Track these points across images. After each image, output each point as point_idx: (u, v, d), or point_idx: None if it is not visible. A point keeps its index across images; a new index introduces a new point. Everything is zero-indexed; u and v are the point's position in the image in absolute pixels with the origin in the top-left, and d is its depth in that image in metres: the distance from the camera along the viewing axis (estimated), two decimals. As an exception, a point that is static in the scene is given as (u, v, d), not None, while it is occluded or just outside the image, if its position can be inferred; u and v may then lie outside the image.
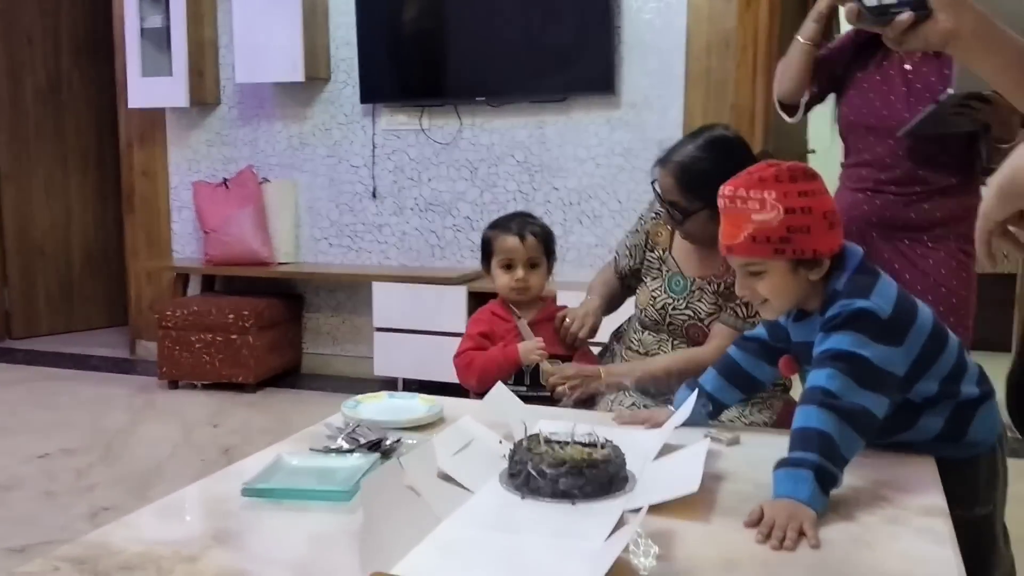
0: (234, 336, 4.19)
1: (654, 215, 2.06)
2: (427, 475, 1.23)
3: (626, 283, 2.13)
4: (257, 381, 4.24)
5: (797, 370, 1.53)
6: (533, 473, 1.25)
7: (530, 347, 1.94)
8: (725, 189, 1.36)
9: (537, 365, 1.94)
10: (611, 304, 2.14)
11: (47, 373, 4.62)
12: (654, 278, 2.03)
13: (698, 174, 1.84)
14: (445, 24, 4.13)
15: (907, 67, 1.99)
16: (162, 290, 4.79)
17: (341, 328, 4.59)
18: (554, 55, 3.96)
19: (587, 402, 1.96)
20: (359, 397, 1.72)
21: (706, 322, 1.94)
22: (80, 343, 5.31)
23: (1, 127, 5.22)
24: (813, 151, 4.72)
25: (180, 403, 4.09)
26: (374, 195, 4.44)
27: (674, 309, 1.97)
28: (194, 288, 4.72)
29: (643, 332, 2.03)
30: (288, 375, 4.51)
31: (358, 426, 1.52)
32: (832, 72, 2.11)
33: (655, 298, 2.00)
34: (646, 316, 2.02)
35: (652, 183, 1.95)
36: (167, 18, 4.42)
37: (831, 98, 2.19)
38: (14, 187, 5.29)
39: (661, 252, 2.03)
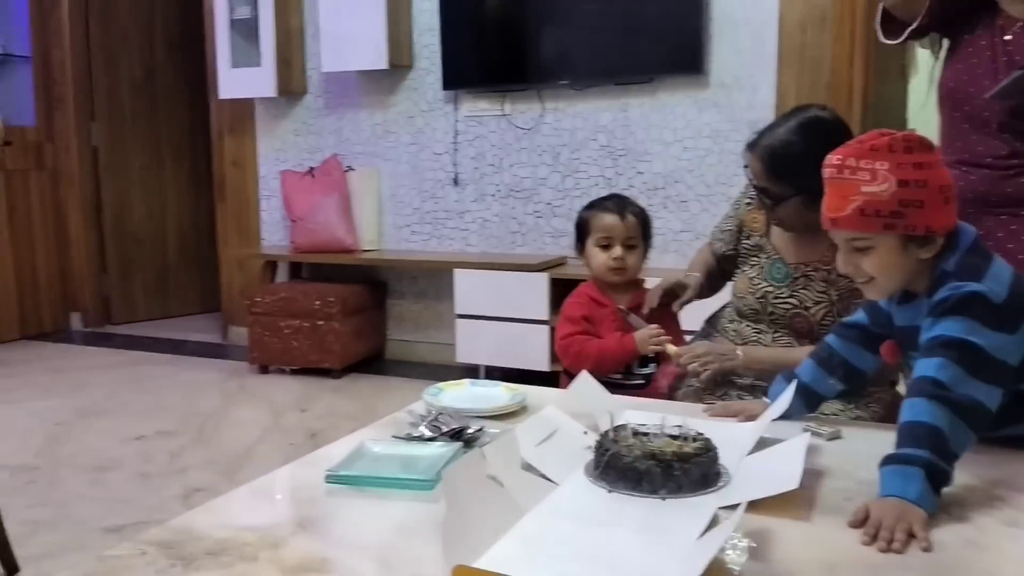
0: (320, 322, 4.25)
1: (748, 200, 1.95)
2: (510, 465, 1.20)
3: (723, 266, 2.02)
4: (343, 367, 4.30)
5: (900, 357, 1.44)
6: (621, 466, 1.21)
7: (646, 336, 1.89)
8: (832, 158, 1.29)
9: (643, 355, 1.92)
10: (711, 285, 2.03)
11: (144, 357, 4.78)
12: (752, 265, 1.92)
13: (789, 158, 1.73)
14: (526, 7, 4.09)
15: (1007, 37, 1.82)
16: (252, 277, 4.89)
17: (424, 315, 4.61)
18: (639, 35, 3.87)
19: (674, 390, 1.91)
20: (441, 384, 1.70)
21: (813, 311, 1.81)
22: (176, 328, 5.48)
23: (100, 119, 5.41)
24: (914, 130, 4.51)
25: (270, 387, 4.17)
26: (456, 182, 4.43)
27: (775, 298, 1.85)
28: (282, 275, 4.81)
29: (741, 322, 1.93)
30: (372, 361, 4.55)
31: (440, 414, 1.50)
32: (950, 9, 1.87)
33: (755, 286, 1.89)
34: (744, 305, 1.91)
35: (744, 167, 1.86)
36: (255, 8, 4.49)
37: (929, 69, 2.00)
38: (112, 177, 5.49)
39: (758, 238, 1.92)
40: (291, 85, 4.60)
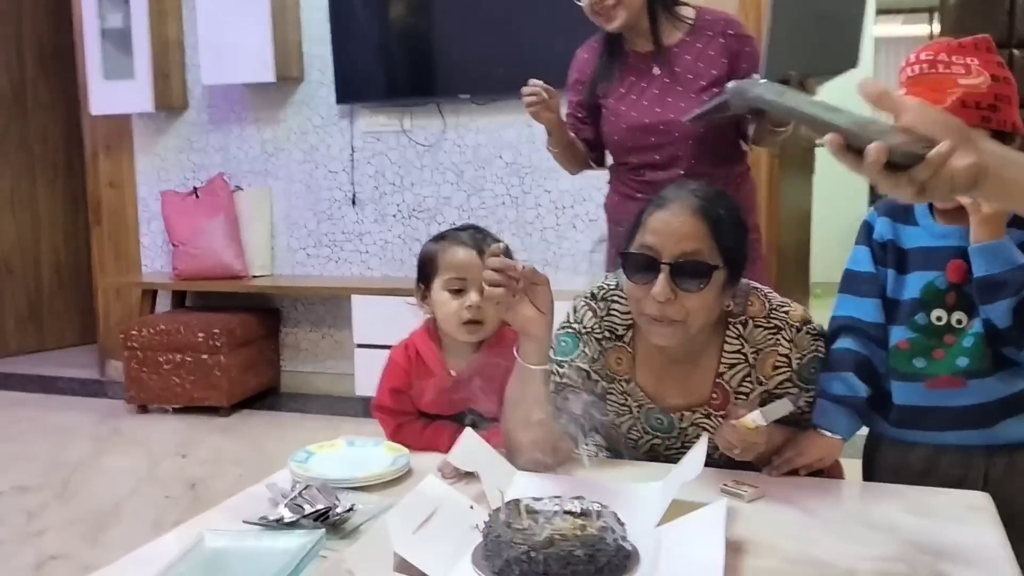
0: (204, 356, 3.91)
1: (606, 336, 1.47)
2: (380, 562, 0.96)
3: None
4: (231, 403, 3.97)
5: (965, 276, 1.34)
6: (513, 558, 0.99)
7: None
8: (920, 55, 1.30)
9: None
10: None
11: (12, 398, 4.35)
12: (622, 415, 1.48)
13: (729, 216, 1.36)
14: (425, 18, 3.86)
15: (655, 71, 2.15)
16: (131, 307, 4.51)
17: (321, 344, 4.31)
18: (543, 49, 3.68)
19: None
20: (312, 447, 1.45)
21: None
22: (50, 363, 5.02)
23: (-39, 138, 4.94)
24: (821, 144, 4.47)
25: (148, 430, 3.81)
26: (354, 202, 4.17)
27: (667, 449, 1.47)
28: (164, 305, 4.44)
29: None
30: (266, 395, 4.23)
31: (306, 488, 1.26)
32: (586, 122, 2.26)
33: (635, 440, 1.49)
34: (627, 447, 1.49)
35: (626, 252, 1.37)
36: (128, 18, 4.15)
37: None
38: (-24, 201, 5.02)
39: (624, 384, 1.47)
40: (170, 99, 4.26)
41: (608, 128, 2.22)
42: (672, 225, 1.31)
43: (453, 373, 1.54)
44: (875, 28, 6.46)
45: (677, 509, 1.12)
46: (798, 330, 1.38)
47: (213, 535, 1.12)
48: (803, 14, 1.85)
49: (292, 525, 1.17)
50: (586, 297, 1.50)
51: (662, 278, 1.29)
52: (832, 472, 1.44)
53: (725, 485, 1.27)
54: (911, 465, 1.43)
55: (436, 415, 1.55)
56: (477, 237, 1.55)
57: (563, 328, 1.49)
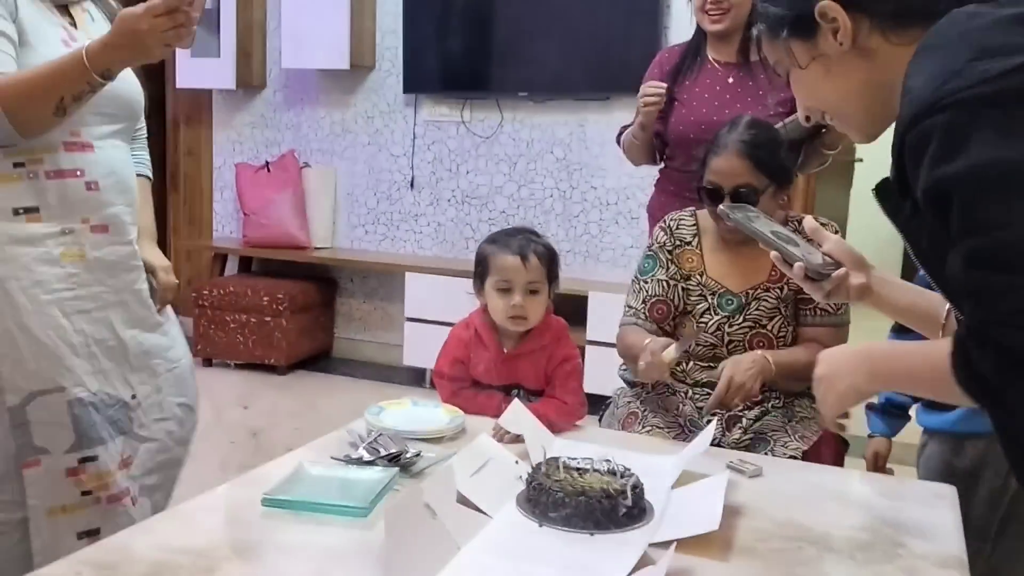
0: (268, 318, 4.24)
1: (671, 247, 1.97)
2: (446, 498, 1.24)
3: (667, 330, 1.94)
4: (288, 363, 4.30)
5: None
6: (551, 501, 1.26)
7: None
8: None
9: None
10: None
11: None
12: (698, 306, 1.93)
13: (769, 144, 1.89)
14: (491, 17, 4.12)
15: (730, 80, 2.41)
16: (201, 269, 4.85)
17: (373, 315, 4.62)
18: (599, 54, 3.93)
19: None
20: (383, 403, 1.73)
21: (769, 327, 1.89)
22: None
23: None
24: (860, 160, 4.65)
25: (213, 382, 4.15)
26: (412, 185, 4.45)
27: (730, 326, 1.90)
28: (232, 268, 4.78)
29: (690, 363, 1.92)
30: (319, 359, 4.56)
31: (379, 435, 1.54)
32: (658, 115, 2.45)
33: (706, 323, 1.91)
34: (697, 345, 1.90)
35: (701, 186, 1.90)
36: (217, 0, 4.45)
37: None
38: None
39: (699, 277, 1.94)
40: (250, 78, 4.57)
41: (675, 119, 2.43)
42: (724, 168, 1.85)
43: (505, 351, 1.80)
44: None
45: (687, 478, 1.38)
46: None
47: (309, 464, 1.41)
48: None
49: (370, 464, 1.45)
50: (660, 224, 2.01)
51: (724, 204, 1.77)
52: (831, 461, 1.74)
53: (731, 462, 1.52)
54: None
55: (488, 385, 1.82)
56: (523, 244, 1.78)
57: (643, 255, 2.01)
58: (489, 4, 4.11)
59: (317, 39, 4.24)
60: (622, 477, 1.31)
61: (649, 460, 1.45)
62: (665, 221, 2.01)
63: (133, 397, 1.72)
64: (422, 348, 4.12)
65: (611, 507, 1.25)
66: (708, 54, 2.47)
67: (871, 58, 1.04)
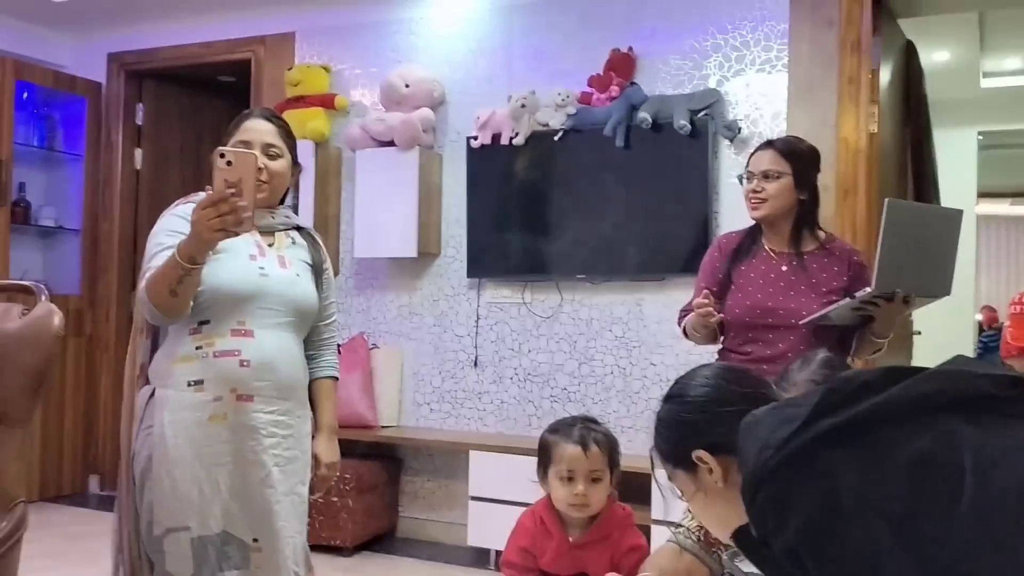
0: (334, 498, 4.31)
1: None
2: None
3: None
4: (354, 544, 4.32)
5: None
6: None
7: None
8: (1021, 296, 1.38)
9: None
10: None
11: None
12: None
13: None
14: (547, 205, 4.38)
15: (784, 268, 2.57)
16: (271, 448, 4.98)
17: (437, 493, 4.66)
18: (653, 237, 4.13)
19: None
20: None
21: None
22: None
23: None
24: (919, 332, 4.67)
25: (280, 563, 4.18)
26: (476, 364, 4.60)
27: None
28: (301, 447, 4.89)
29: None
30: (384, 539, 4.57)
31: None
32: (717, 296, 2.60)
33: None
34: None
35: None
36: (296, 197, 4.81)
37: None
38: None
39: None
40: (324, 267, 4.86)
41: (732, 302, 2.58)
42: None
43: (571, 540, 1.85)
44: (979, 207, 6.66)
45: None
46: None
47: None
48: (908, 243, 2.28)
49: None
50: None
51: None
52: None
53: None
54: None
55: (554, 574, 1.86)
56: (584, 433, 1.89)
57: None
58: (545, 194, 4.38)
59: (387, 231, 4.54)
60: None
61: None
62: None
63: (255, 540, 1.98)
64: (486, 527, 4.13)
65: None
66: (763, 242, 2.62)
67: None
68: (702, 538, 1.74)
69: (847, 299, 2.37)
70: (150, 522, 2.00)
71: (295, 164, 2.22)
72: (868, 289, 2.30)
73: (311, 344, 2.26)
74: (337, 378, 2.33)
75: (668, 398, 1.39)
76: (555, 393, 4.41)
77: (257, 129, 2.13)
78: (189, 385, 2.00)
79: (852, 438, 1.03)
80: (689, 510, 1.77)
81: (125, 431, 2.13)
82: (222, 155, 1.78)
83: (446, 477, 4.63)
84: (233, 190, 1.76)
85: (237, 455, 2.00)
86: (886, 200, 2.33)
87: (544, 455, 1.94)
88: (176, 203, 2.20)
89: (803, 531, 1.02)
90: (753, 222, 2.69)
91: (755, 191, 2.56)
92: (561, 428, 1.94)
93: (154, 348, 2.13)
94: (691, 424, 1.30)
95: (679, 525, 1.79)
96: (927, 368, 1.10)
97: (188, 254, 1.84)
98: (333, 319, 2.34)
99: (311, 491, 2.20)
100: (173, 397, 2.00)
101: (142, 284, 2.00)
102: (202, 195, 1.99)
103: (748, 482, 1.08)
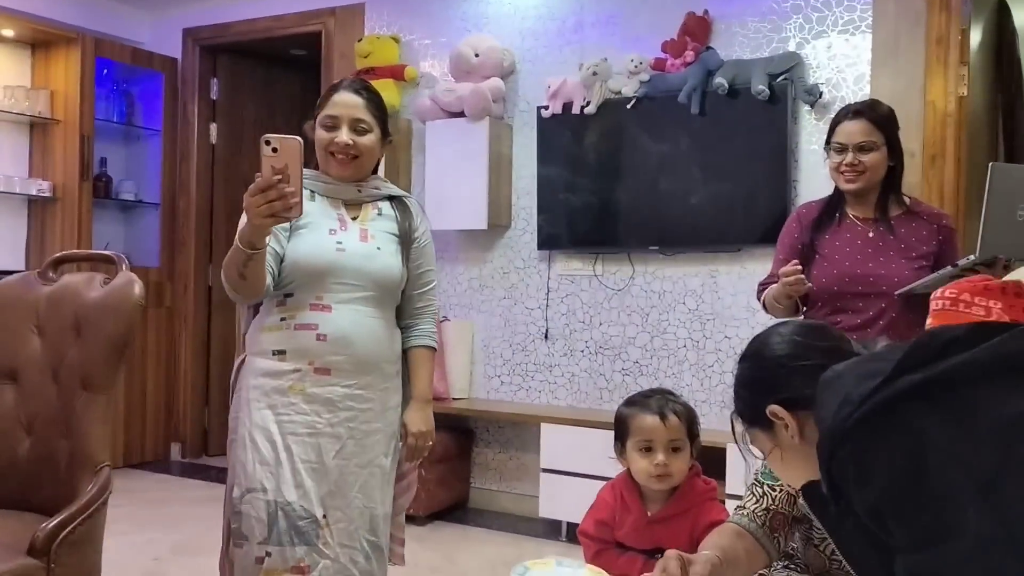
0: (408, 469, 4.34)
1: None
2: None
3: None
4: (427, 514, 4.36)
5: None
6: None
7: None
8: (946, 291, 1.35)
9: None
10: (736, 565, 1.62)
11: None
12: (824, 539, 1.69)
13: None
14: (619, 177, 4.30)
15: (871, 235, 2.51)
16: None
17: (508, 465, 4.66)
18: (728, 207, 4.02)
19: None
20: (528, 563, 1.75)
21: None
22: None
23: (216, 262, 5.79)
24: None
25: (354, 532, 4.24)
26: (546, 336, 4.57)
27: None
28: (373, 418, 4.95)
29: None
30: (455, 509, 4.60)
31: (528, 597, 1.57)
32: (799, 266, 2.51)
33: (840, 561, 1.65)
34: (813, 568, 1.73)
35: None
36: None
37: None
38: (222, 315, 5.82)
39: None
40: (395, 239, 4.88)
41: (818, 271, 2.51)
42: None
43: (649, 514, 1.81)
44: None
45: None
46: None
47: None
48: (1011, 207, 2.16)
49: (520, 626, 1.47)
50: None
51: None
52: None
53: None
54: None
55: (631, 547, 1.83)
56: (662, 403, 1.85)
57: None
58: (617, 163, 4.30)
59: (458, 204, 4.52)
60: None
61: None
62: None
63: (324, 517, 2.01)
64: (557, 499, 4.12)
65: None
66: (847, 210, 2.53)
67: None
68: (767, 522, 1.67)
69: (948, 268, 2.29)
70: (232, 483, 2.09)
71: (385, 136, 2.20)
72: (972, 257, 2.22)
73: (406, 313, 2.26)
74: (434, 348, 2.29)
75: (744, 357, 1.36)
76: (626, 366, 4.36)
77: (345, 104, 2.12)
78: (273, 354, 2.07)
79: (938, 395, 1.00)
80: (752, 490, 1.72)
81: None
82: (267, 142, 1.79)
83: (517, 449, 4.63)
84: (280, 176, 1.77)
85: (312, 427, 2.04)
86: (991, 164, 2.24)
87: (621, 428, 1.90)
88: None
89: (887, 489, 1.00)
90: (832, 190, 2.60)
91: (852, 165, 2.47)
92: (638, 400, 1.90)
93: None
94: (766, 380, 1.28)
95: (743, 507, 1.73)
96: (1018, 325, 1.06)
97: (246, 239, 1.88)
98: (429, 287, 2.28)
99: (407, 460, 2.26)
100: (260, 364, 2.08)
101: None
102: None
103: (826, 438, 1.07)
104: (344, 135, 2.09)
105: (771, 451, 1.29)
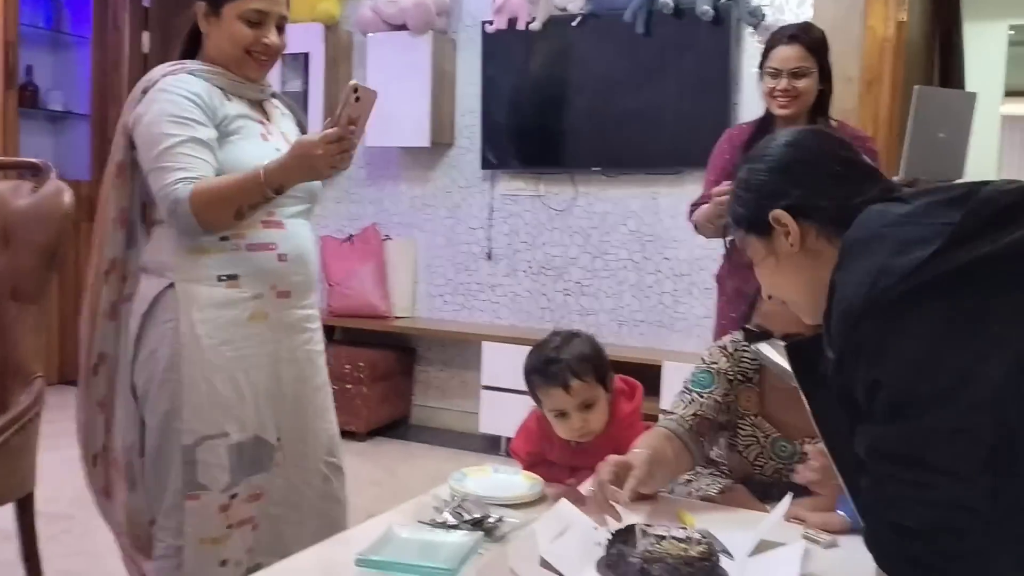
0: (349, 385, 4.37)
1: (735, 376, 1.82)
2: (530, 563, 1.30)
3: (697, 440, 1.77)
4: (368, 430, 4.41)
5: None
6: (630, 567, 1.31)
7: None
8: None
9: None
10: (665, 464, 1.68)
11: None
12: (749, 445, 1.82)
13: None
14: (564, 96, 4.28)
15: None
16: (285, 336, 5.03)
17: (450, 383, 4.72)
18: (670, 129, 4.04)
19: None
20: (466, 470, 1.81)
21: None
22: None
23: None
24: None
25: (295, 447, 4.28)
26: (489, 256, 4.58)
27: (789, 471, 1.73)
28: (315, 336, 4.95)
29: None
30: (397, 425, 4.66)
31: (464, 500, 1.61)
32: None
33: (762, 466, 1.82)
34: (739, 474, 1.84)
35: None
36: (306, 83, 4.72)
37: None
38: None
39: (752, 418, 1.82)
40: (336, 156, 4.80)
41: None
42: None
43: (572, 445, 1.84)
44: (1004, 107, 6.49)
45: (764, 546, 1.41)
46: None
47: (399, 527, 1.49)
48: (933, 130, 2.21)
49: (455, 527, 1.52)
50: (719, 346, 1.87)
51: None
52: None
53: (807, 531, 1.54)
54: None
55: (561, 465, 1.88)
56: (562, 369, 1.77)
57: (699, 368, 1.85)
58: (562, 83, 4.27)
59: (400, 120, 4.45)
60: (698, 544, 1.35)
61: (726, 528, 1.49)
62: (727, 347, 1.85)
63: (278, 439, 1.92)
64: (498, 416, 4.20)
65: (689, 574, 1.29)
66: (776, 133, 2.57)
67: (817, 257, 1.17)
68: (694, 427, 1.75)
69: None
70: (177, 429, 1.81)
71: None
72: (895, 178, 2.27)
73: None
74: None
75: (748, 159, 1.30)
76: (568, 286, 4.41)
77: None
78: (220, 280, 1.81)
79: (993, 274, 0.93)
80: (681, 397, 1.81)
81: (87, 329, 1.93)
82: (355, 89, 1.67)
83: (459, 367, 4.68)
84: (354, 127, 1.68)
85: (274, 355, 1.90)
86: (916, 87, 2.28)
87: (532, 393, 1.86)
88: (159, 76, 1.87)
89: (908, 368, 0.95)
90: (763, 113, 2.63)
91: (785, 91, 2.48)
92: (539, 367, 1.82)
93: (129, 242, 1.94)
94: (771, 184, 1.22)
95: (671, 412, 1.81)
96: None
97: (279, 182, 1.71)
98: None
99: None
100: (204, 293, 1.80)
101: (175, 187, 1.73)
102: (190, 64, 1.88)
103: (857, 306, 0.99)
104: (274, 35, 1.88)
105: (764, 259, 1.24)
